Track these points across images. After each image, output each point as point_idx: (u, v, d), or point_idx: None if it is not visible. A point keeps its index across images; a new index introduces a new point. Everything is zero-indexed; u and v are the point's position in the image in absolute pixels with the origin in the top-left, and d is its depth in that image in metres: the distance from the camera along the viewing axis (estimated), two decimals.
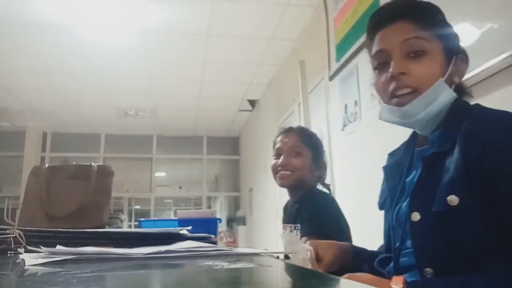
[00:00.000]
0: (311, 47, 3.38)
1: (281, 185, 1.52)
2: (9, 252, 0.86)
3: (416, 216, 0.75)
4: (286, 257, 1.13)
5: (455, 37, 0.82)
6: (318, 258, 0.90)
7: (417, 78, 0.77)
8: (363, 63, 2.35)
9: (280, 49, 3.95)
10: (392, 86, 0.79)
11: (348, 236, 1.43)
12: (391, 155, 0.97)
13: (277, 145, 1.53)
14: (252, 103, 5.57)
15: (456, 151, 0.71)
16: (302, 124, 3.06)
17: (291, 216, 1.48)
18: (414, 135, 0.91)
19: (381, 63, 0.82)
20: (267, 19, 3.44)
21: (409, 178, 0.85)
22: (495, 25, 1.33)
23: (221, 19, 3.43)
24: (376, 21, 0.84)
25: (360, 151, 2.36)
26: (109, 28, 3.55)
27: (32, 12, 3.25)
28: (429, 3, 0.84)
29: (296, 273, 0.62)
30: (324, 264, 0.89)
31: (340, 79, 2.65)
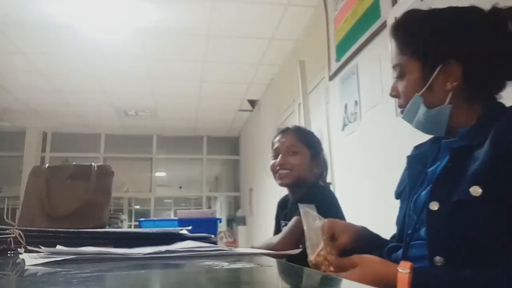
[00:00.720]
0: (311, 47, 3.38)
1: (281, 184, 1.52)
2: (9, 252, 0.86)
3: (434, 206, 0.76)
4: (289, 259, 1.13)
5: (442, 44, 0.82)
6: (333, 237, 0.90)
7: (401, 97, 0.88)
8: (363, 63, 2.35)
9: (280, 49, 3.95)
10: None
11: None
12: (416, 147, 0.98)
13: (275, 145, 1.55)
14: (252, 103, 5.57)
15: (486, 145, 0.72)
16: (302, 124, 3.06)
17: (291, 213, 1.48)
18: None
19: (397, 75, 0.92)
20: (267, 19, 3.44)
21: (432, 168, 0.85)
22: None
23: (221, 19, 3.43)
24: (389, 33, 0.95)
25: (360, 151, 2.36)
26: (110, 28, 3.55)
27: (32, 12, 3.25)
28: (412, 15, 0.88)
29: (296, 273, 0.62)
30: (338, 246, 0.89)
31: (340, 79, 2.65)
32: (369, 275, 0.73)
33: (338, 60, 2.68)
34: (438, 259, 0.73)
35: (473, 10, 0.83)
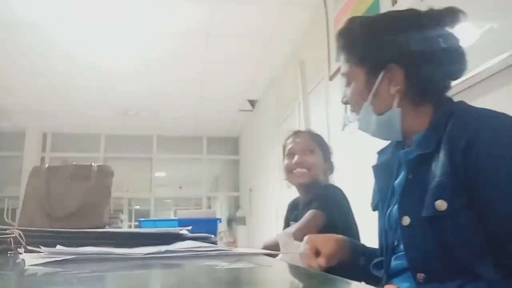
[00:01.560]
0: (311, 47, 3.38)
1: (298, 183, 1.52)
2: (9, 252, 0.86)
3: (406, 220, 0.75)
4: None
5: (382, 50, 0.81)
6: (316, 252, 0.90)
7: (351, 104, 0.89)
8: None
9: (280, 49, 3.95)
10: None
11: (354, 228, 1.43)
12: (380, 153, 0.97)
13: (289, 146, 1.56)
14: (252, 103, 5.57)
15: (441, 154, 0.71)
16: (302, 124, 3.06)
17: (302, 215, 1.48)
18: None
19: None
20: (267, 19, 3.44)
21: (398, 180, 0.84)
22: (495, 25, 1.33)
23: (221, 19, 3.43)
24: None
25: (360, 151, 2.36)
26: (109, 28, 3.55)
27: (32, 12, 3.25)
28: (356, 23, 0.88)
29: (296, 273, 0.62)
30: (323, 257, 0.88)
31: (340, 79, 2.65)
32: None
33: (338, 60, 2.67)
34: (419, 275, 0.72)
35: (410, 12, 0.84)
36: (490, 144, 0.67)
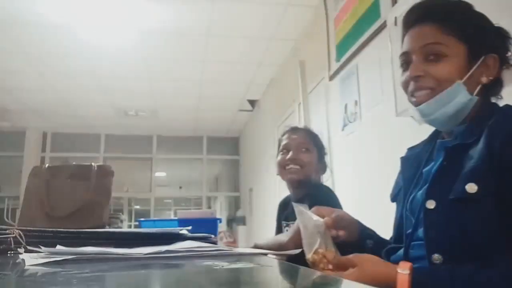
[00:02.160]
0: (311, 47, 3.38)
1: (290, 180, 1.51)
2: (9, 252, 0.86)
3: (431, 204, 0.76)
4: (289, 259, 1.13)
5: (487, 37, 0.82)
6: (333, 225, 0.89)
7: (434, 80, 0.81)
8: (363, 63, 2.35)
9: (280, 49, 3.95)
10: (411, 87, 0.84)
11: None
12: (410, 149, 0.98)
13: (285, 141, 1.54)
14: (252, 103, 5.57)
15: (481, 143, 0.73)
16: (302, 124, 3.06)
17: (292, 213, 1.48)
18: (436, 132, 0.92)
19: (405, 63, 0.86)
20: (267, 19, 3.44)
21: (427, 168, 0.85)
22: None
23: (221, 19, 3.43)
24: (405, 22, 0.88)
25: (360, 151, 2.36)
26: (109, 28, 3.55)
27: (32, 12, 3.25)
28: (459, 2, 0.85)
29: (296, 273, 0.62)
30: (336, 239, 0.87)
31: (340, 79, 2.65)
32: (369, 276, 0.72)
33: (338, 60, 2.68)
34: (436, 256, 0.73)
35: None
36: None
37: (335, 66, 2.73)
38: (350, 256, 0.77)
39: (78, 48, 3.88)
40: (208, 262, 0.68)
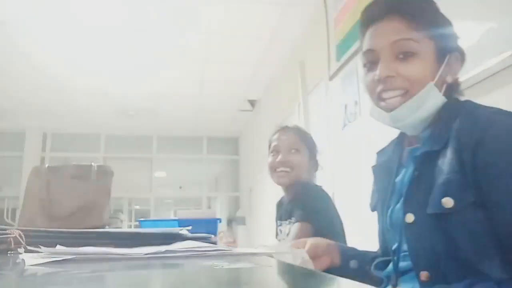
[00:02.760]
0: (311, 47, 3.38)
1: (280, 184, 1.51)
2: (9, 252, 0.86)
3: (410, 218, 0.73)
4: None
5: (450, 35, 0.79)
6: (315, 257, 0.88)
7: (406, 80, 0.75)
8: None
9: (280, 49, 3.94)
10: (379, 88, 0.78)
11: (340, 231, 1.42)
12: (379, 154, 0.95)
13: (274, 143, 1.53)
14: (252, 103, 5.57)
15: (449, 151, 0.70)
16: (302, 124, 3.06)
17: (286, 213, 1.48)
18: (402, 135, 0.89)
19: (369, 62, 0.80)
20: (267, 19, 3.43)
21: (399, 178, 0.83)
22: (495, 25, 1.33)
23: (221, 19, 3.43)
24: (368, 16, 0.82)
25: (360, 151, 2.36)
26: (109, 28, 3.55)
27: (32, 12, 3.25)
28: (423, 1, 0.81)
29: (296, 273, 0.62)
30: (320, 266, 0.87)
31: (340, 79, 2.65)
32: None
33: (338, 60, 2.68)
34: (423, 274, 0.71)
35: None
36: (501, 143, 0.66)
37: (335, 66, 2.73)
38: None
39: (78, 48, 3.88)
40: (208, 262, 0.68)
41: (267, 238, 4.75)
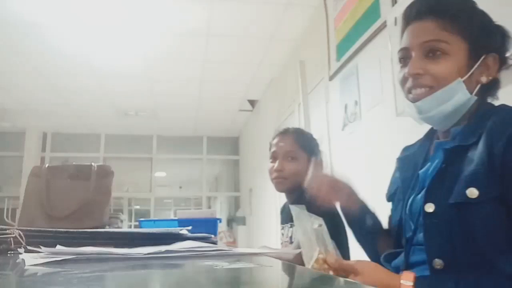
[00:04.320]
0: (311, 47, 3.38)
1: (278, 190, 1.52)
2: (9, 252, 0.86)
3: (430, 207, 0.75)
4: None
5: (489, 36, 0.80)
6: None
7: (433, 78, 0.78)
8: (363, 63, 2.35)
9: (280, 49, 3.94)
10: (408, 84, 0.82)
11: (344, 238, 1.42)
12: (406, 148, 0.97)
13: (273, 149, 1.52)
14: (252, 103, 5.57)
15: (480, 146, 0.71)
16: (302, 124, 3.06)
17: (289, 217, 1.48)
18: (431, 131, 0.91)
19: (403, 58, 0.84)
20: (267, 19, 3.43)
21: (423, 170, 0.84)
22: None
23: (221, 19, 3.43)
24: (406, 16, 0.86)
25: (360, 151, 2.36)
26: (109, 28, 3.55)
27: (33, 12, 3.25)
28: (458, 1, 0.83)
29: (296, 273, 0.62)
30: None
31: (340, 79, 2.65)
32: (371, 285, 0.71)
33: (338, 60, 2.68)
34: (437, 262, 0.72)
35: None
36: None
37: (335, 66, 2.73)
38: (352, 261, 0.76)
39: (78, 48, 3.88)
40: (208, 262, 0.68)
41: (267, 238, 4.75)
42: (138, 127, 6.61)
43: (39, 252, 0.70)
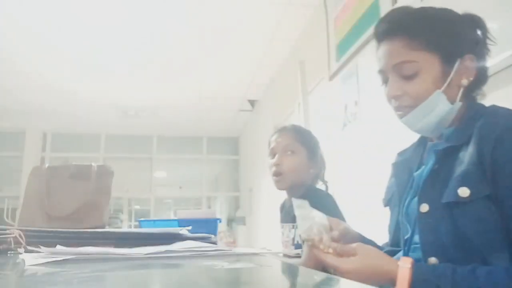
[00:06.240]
0: (311, 47, 3.38)
1: (277, 188, 1.51)
2: (9, 252, 0.86)
3: (424, 208, 0.76)
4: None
5: (456, 40, 0.80)
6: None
7: (411, 97, 0.80)
8: (363, 63, 2.35)
9: (280, 49, 3.94)
10: (392, 103, 0.85)
11: None
12: (400, 154, 0.97)
13: (272, 145, 1.52)
14: (252, 103, 5.57)
15: (470, 146, 0.73)
16: (302, 124, 3.06)
17: (289, 215, 1.47)
18: (424, 136, 0.91)
19: (383, 80, 0.88)
20: (267, 19, 3.44)
21: (418, 172, 0.85)
22: (495, 25, 1.32)
23: (221, 19, 3.43)
24: (376, 34, 0.87)
25: (360, 152, 2.36)
26: (109, 28, 3.55)
27: (33, 12, 3.25)
28: (424, 10, 0.83)
29: (296, 273, 0.62)
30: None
31: (340, 79, 2.65)
32: (369, 267, 0.72)
33: (338, 60, 2.68)
34: (432, 259, 0.73)
35: (448, 11, 0.84)
36: None
37: (335, 66, 2.73)
38: (354, 244, 0.76)
39: (78, 48, 3.88)
40: (208, 262, 0.68)
41: (267, 238, 4.75)
42: (138, 127, 6.61)
43: (39, 252, 0.70)
